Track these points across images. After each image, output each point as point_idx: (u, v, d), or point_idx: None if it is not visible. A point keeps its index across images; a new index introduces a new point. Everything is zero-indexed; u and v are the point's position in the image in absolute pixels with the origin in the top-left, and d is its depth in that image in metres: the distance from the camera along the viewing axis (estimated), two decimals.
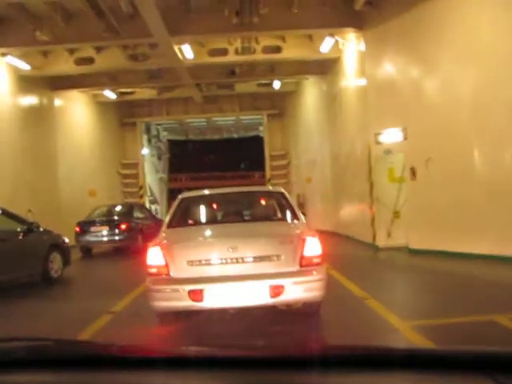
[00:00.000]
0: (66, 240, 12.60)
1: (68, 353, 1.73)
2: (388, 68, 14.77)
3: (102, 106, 25.64)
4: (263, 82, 24.44)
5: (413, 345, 5.23)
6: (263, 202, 8.75)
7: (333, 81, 19.89)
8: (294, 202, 7.98)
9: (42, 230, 11.64)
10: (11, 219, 10.92)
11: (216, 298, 5.98)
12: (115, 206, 20.81)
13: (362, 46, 15.55)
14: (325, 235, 19.66)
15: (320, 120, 22.73)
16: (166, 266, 6.11)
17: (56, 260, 11.54)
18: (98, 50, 18.06)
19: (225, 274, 6.10)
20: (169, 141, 39.91)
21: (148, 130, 33.44)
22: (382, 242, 14.73)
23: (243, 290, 6.03)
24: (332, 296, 8.26)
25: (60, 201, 20.32)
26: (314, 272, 6.12)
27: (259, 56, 18.34)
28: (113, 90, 23.50)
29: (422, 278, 10.37)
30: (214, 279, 6.08)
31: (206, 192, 8.51)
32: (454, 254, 11.66)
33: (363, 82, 15.80)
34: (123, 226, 17.20)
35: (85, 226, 17.33)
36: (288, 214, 7.49)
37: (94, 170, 24.11)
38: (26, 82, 18.47)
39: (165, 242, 6.47)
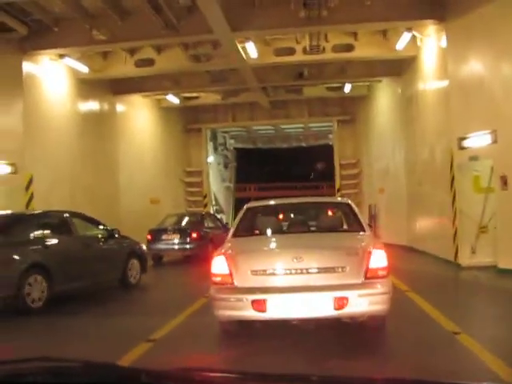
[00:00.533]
0: (144, 247, 13.05)
1: (93, 376, 1.68)
2: (474, 64, 13.07)
3: (166, 111, 24.96)
4: (333, 85, 23.04)
5: None
6: (329, 213, 8.65)
7: (408, 82, 18.28)
8: (360, 213, 7.70)
9: (121, 236, 11.86)
10: (93, 225, 11.28)
11: (279, 308, 5.91)
12: (186, 214, 20.95)
13: (444, 42, 13.92)
14: (398, 250, 18.20)
15: (394, 126, 21.09)
16: (230, 275, 6.11)
17: (134, 267, 11.76)
18: (159, 50, 17.23)
19: (289, 284, 6.05)
20: (236, 149, 39.15)
21: (214, 138, 32.84)
22: (465, 259, 13.01)
23: (307, 301, 5.89)
24: (415, 328, 6.87)
25: (120, 207, 19.66)
26: (380, 285, 6.00)
27: (329, 55, 16.97)
28: (176, 95, 22.68)
29: None
30: (278, 289, 6.03)
31: (272, 202, 8.66)
32: None
33: (444, 81, 14.15)
34: (194, 235, 17.01)
35: (156, 234, 17.18)
36: (354, 225, 7.37)
37: (156, 177, 23.41)
38: (86, 86, 17.91)
39: (230, 251, 6.49)
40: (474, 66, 13.05)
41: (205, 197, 27.51)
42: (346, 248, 6.41)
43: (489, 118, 12.06)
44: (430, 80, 15.79)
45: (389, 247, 17.90)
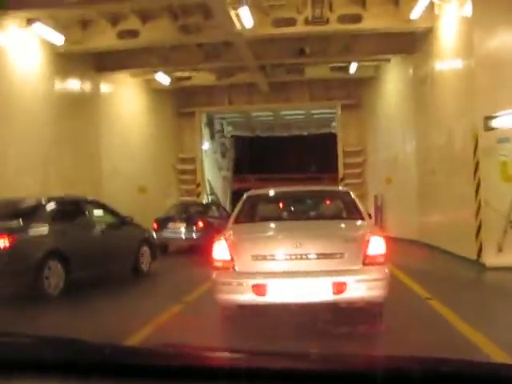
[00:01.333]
0: (154, 235, 13.36)
1: (56, 352, 1.62)
2: (507, 34, 11.25)
3: (157, 93, 23.08)
4: (337, 64, 21.18)
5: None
6: (329, 201, 8.56)
7: (422, 60, 16.42)
8: (361, 202, 7.78)
9: (133, 223, 11.92)
10: (107, 212, 11.22)
11: (279, 292, 6.05)
12: (191, 203, 21.22)
13: (468, 9, 12.08)
14: (409, 245, 16.42)
15: (404, 110, 19.25)
16: (232, 260, 6.22)
17: (146, 254, 11.82)
18: (144, 20, 15.38)
19: (288, 269, 6.19)
20: (234, 137, 37.34)
21: (211, 124, 31.00)
22: (490, 259, 11.21)
23: (306, 285, 6.03)
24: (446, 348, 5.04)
25: (103, 196, 17.69)
26: (377, 271, 6.11)
27: (334, 26, 15.12)
28: (166, 73, 20.79)
29: None
30: (278, 274, 6.18)
31: (273, 190, 8.75)
32: None
33: (468, 54, 12.28)
34: (201, 224, 16.71)
35: (163, 222, 16.89)
36: (353, 213, 7.40)
37: (145, 164, 21.62)
38: (64, 61, 16.04)
39: (231, 236, 6.56)
40: (507, 36, 11.23)
41: (198, 185, 25.62)
42: (345, 235, 6.64)
43: None
44: (449, 54, 13.93)
45: (397, 241, 15.88)
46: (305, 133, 37.74)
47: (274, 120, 32.13)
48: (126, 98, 21.16)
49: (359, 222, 7.07)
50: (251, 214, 7.75)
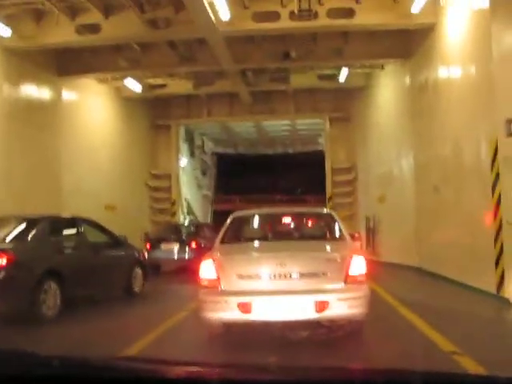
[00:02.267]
0: (146, 256, 13.04)
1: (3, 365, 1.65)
2: None
3: (129, 103, 21.09)
4: (326, 72, 19.35)
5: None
6: (312, 223, 8.96)
7: (421, 64, 14.61)
8: (341, 222, 7.84)
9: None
10: (101, 231, 10.89)
11: (264, 310, 6.21)
12: (182, 224, 21.60)
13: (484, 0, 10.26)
14: (408, 272, 14.72)
15: (399, 120, 17.38)
16: (218, 279, 6.38)
17: (138, 275, 11.52)
18: (106, 13, 13.46)
19: (273, 288, 6.35)
20: (216, 154, 35.49)
21: (190, 140, 29.29)
22: None
23: (290, 304, 6.22)
24: None
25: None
26: (358, 290, 6.26)
27: (323, 21, 13.24)
28: (137, 79, 18.84)
29: None
30: (263, 293, 6.32)
31: (258, 211, 9.23)
32: None
33: (484, 52, 10.35)
34: (193, 244, 16.39)
35: (155, 242, 16.70)
36: (336, 234, 7.64)
37: (114, 180, 19.63)
38: (17, 60, 14.09)
39: (217, 256, 6.76)
40: None
41: (173, 204, 23.50)
42: (327, 255, 6.85)
43: None
44: (457, 53, 12.03)
45: (394, 268, 13.88)
46: (290, 150, 35.95)
47: (258, 135, 30.27)
48: (94, 107, 19.15)
49: (341, 243, 7.25)
50: (237, 234, 7.89)
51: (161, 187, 23.52)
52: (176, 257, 16.37)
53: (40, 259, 8.70)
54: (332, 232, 7.84)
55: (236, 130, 29.16)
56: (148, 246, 16.54)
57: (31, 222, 9.24)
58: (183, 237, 17.17)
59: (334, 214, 8.26)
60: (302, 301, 6.15)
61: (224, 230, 7.68)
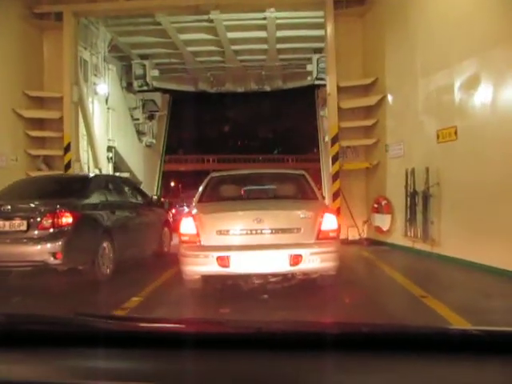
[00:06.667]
0: (171, 215, 13.17)
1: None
2: None
3: None
4: None
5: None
6: (286, 183, 8.98)
7: None
8: (313, 182, 8.28)
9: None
10: (136, 191, 11.09)
11: (241, 264, 6.62)
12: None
13: None
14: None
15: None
16: (198, 234, 6.77)
17: (167, 235, 11.62)
18: None
19: (250, 243, 6.76)
20: (165, 91, 25.84)
21: (128, 68, 21.77)
22: None
23: (266, 257, 6.67)
24: None
25: None
26: (330, 245, 6.74)
27: None
28: None
29: None
30: (240, 247, 6.72)
31: (234, 172, 9.75)
32: None
33: None
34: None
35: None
36: (308, 194, 7.96)
37: None
38: None
39: (197, 213, 7.06)
40: None
41: (66, 149, 13.78)
42: (301, 212, 7.08)
43: None
44: None
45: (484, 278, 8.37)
46: (268, 88, 26.31)
47: (220, 54, 20.55)
48: None
49: (314, 202, 7.62)
50: (214, 193, 8.02)
51: (45, 120, 13.82)
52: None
53: (99, 219, 8.68)
54: (305, 192, 8.08)
55: (188, 49, 19.94)
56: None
57: (84, 180, 9.63)
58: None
59: (306, 175, 8.48)
60: (277, 255, 6.65)
61: (201, 189, 8.05)
